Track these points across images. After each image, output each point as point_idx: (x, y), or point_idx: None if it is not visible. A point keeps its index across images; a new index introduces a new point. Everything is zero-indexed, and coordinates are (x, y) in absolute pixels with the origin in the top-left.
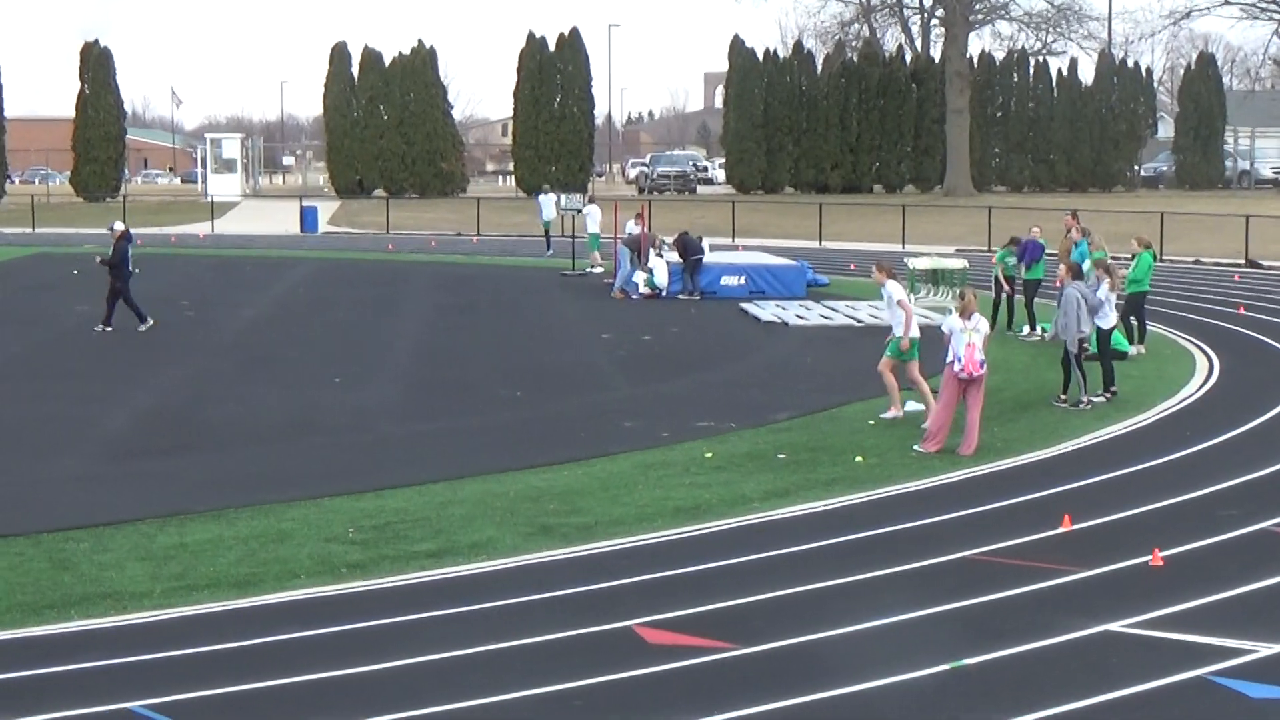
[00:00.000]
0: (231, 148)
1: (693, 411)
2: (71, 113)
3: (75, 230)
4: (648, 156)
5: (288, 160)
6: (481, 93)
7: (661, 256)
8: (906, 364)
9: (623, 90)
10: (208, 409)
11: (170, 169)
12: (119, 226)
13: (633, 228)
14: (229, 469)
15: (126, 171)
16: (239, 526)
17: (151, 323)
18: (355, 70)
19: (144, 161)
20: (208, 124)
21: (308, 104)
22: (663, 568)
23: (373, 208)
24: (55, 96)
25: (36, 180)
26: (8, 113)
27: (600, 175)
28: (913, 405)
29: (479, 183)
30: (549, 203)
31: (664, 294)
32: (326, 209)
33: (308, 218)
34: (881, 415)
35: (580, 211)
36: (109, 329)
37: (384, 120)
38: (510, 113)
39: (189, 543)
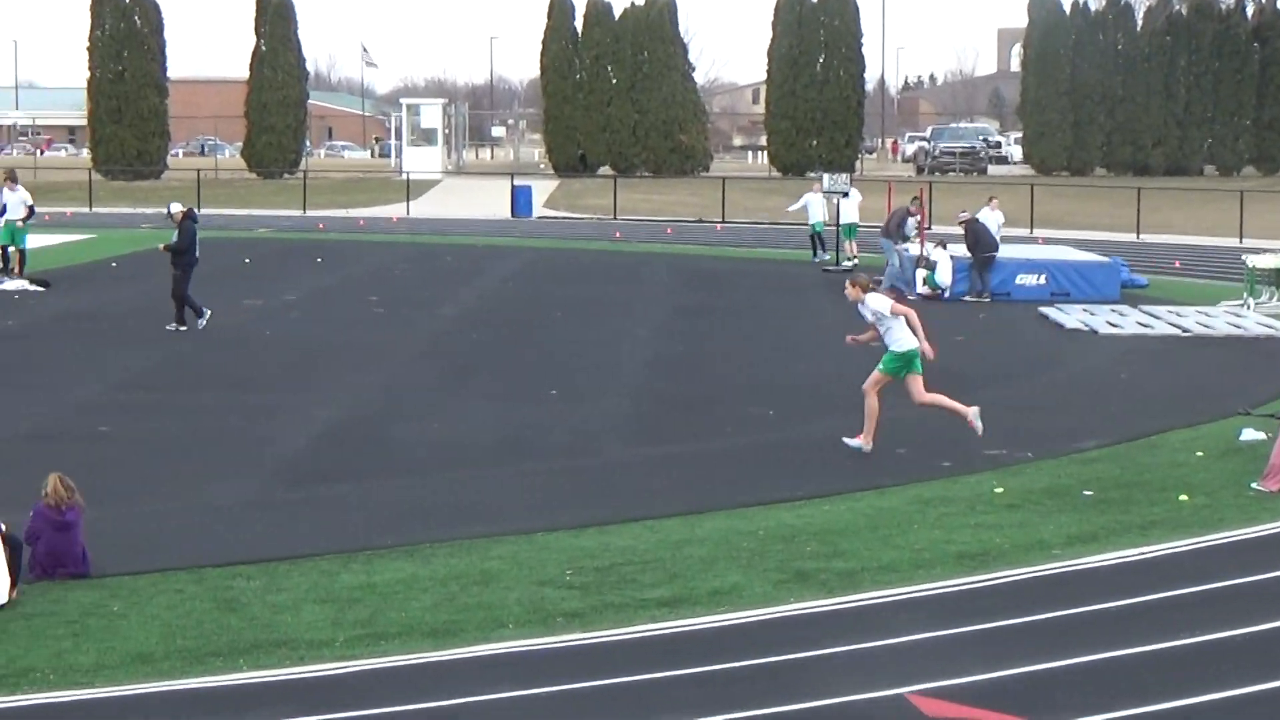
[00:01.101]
0: (431, 116)
1: (980, 437)
2: (245, 73)
3: (247, 211)
4: (928, 130)
5: (497, 131)
6: (729, 52)
7: (944, 247)
8: (909, 379)
9: (899, 50)
10: (401, 426)
11: (376, 139)
12: (178, 207)
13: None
14: (425, 497)
15: (308, 143)
16: (435, 565)
17: (185, 328)
18: (579, 24)
19: (328, 131)
20: (403, 88)
21: (522, 64)
22: (943, 624)
23: (597, 188)
24: (227, 54)
25: (203, 151)
26: (171, 72)
27: (870, 152)
28: (1250, 434)
29: (724, 159)
30: (817, 204)
31: (946, 295)
32: (542, 189)
33: (520, 199)
34: (847, 441)
35: (846, 195)
36: (184, 327)
37: (612, 84)
38: (763, 76)
39: (377, 583)
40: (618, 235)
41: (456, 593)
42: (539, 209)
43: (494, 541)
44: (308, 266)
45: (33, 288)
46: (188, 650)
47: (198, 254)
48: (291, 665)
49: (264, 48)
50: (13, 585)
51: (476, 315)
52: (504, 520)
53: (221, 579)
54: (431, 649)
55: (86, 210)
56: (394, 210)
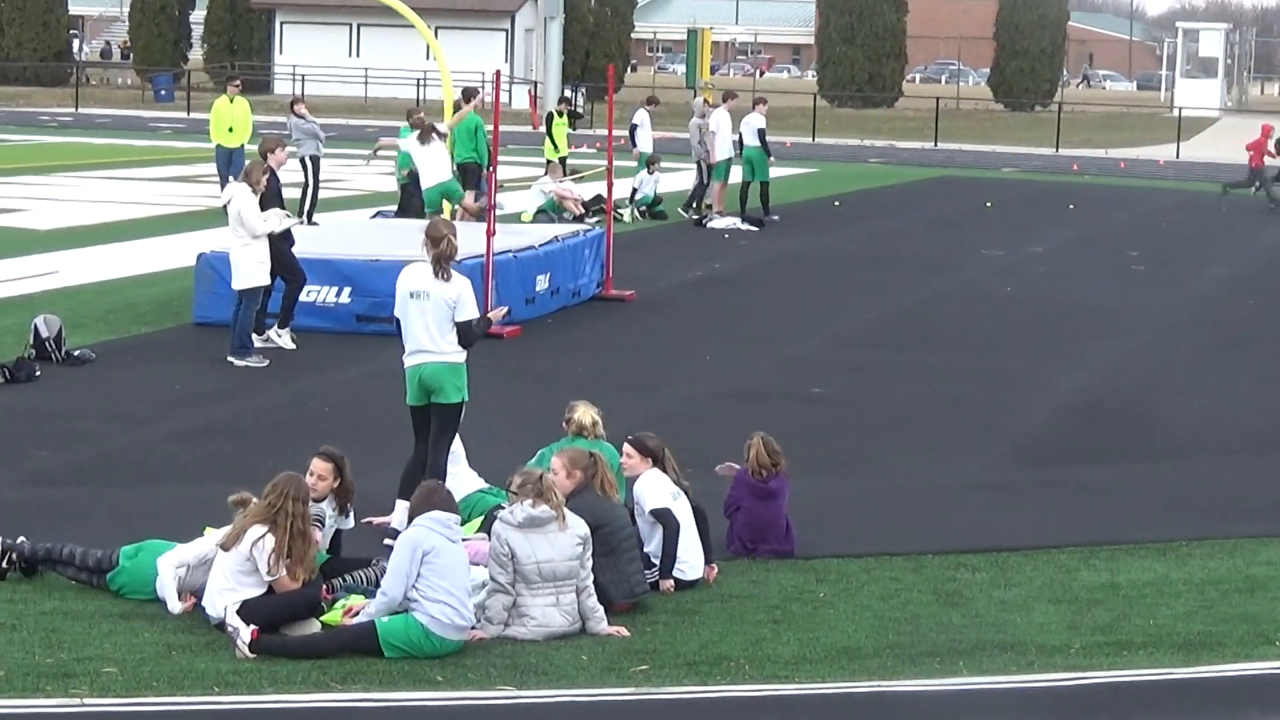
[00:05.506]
0: (1211, 43)
1: None
2: None
3: (990, 148)
4: None
5: None
6: None
7: None
8: None
9: None
10: (1159, 402)
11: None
12: None
13: None
14: (1183, 486)
15: (1064, 71)
16: (1191, 567)
17: None
18: None
19: (1088, 58)
20: (1179, 9)
21: None
22: None
23: None
24: None
25: (943, 79)
26: None
27: None
28: None
29: None
30: None
31: None
32: None
33: None
34: None
35: None
36: None
37: None
38: None
39: (1121, 584)
40: None
41: (1215, 600)
42: None
43: (1262, 543)
44: (1058, 214)
45: (744, 226)
46: (900, 647)
47: None
48: (1018, 672)
49: None
50: (707, 562)
51: (1253, 278)
52: (1276, 519)
53: (943, 569)
54: (1180, 664)
55: (809, 141)
56: (1161, 152)
